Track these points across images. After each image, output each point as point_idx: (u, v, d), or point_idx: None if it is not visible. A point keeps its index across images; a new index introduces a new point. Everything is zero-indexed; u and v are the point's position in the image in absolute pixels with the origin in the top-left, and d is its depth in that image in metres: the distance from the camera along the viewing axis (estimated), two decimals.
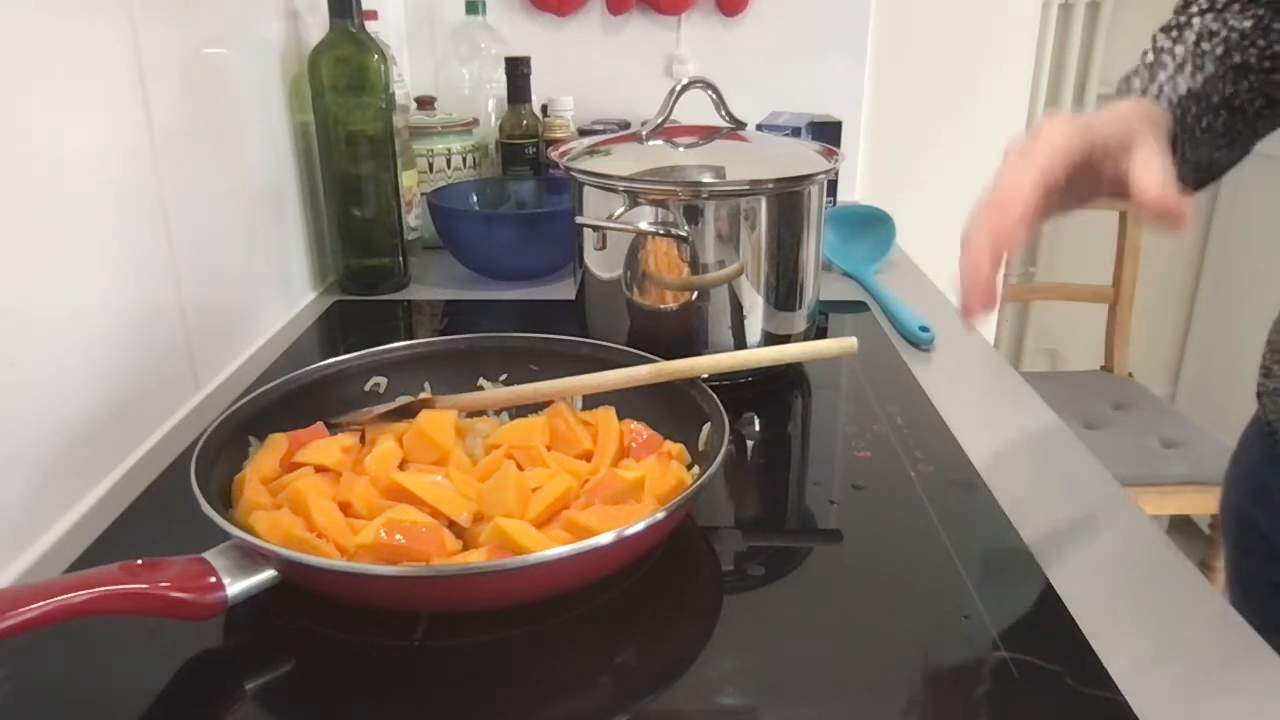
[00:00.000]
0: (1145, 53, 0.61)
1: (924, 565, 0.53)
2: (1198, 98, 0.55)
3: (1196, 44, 0.58)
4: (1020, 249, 0.51)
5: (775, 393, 0.77)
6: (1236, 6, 0.59)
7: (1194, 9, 0.60)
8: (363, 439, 0.60)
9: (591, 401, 0.65)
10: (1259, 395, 0.69)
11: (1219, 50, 0.57)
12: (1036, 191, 0.46)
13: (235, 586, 0.44)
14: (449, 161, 1.18)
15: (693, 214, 0.71)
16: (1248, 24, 0.57)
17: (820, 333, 0.87)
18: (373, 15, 1.02)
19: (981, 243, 0.46)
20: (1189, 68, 0.57)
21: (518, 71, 1.17)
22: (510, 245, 1.03)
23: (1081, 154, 0.48)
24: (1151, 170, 0.46)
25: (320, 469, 0.55)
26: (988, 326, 1.70)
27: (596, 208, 0.74)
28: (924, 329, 0.87)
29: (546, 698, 0.43)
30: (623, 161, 0.74)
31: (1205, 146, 0.56)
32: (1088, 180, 0.50)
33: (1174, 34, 0.60)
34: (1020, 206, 0.46)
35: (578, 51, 1.42)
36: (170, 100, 0.70)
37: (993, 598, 0.50)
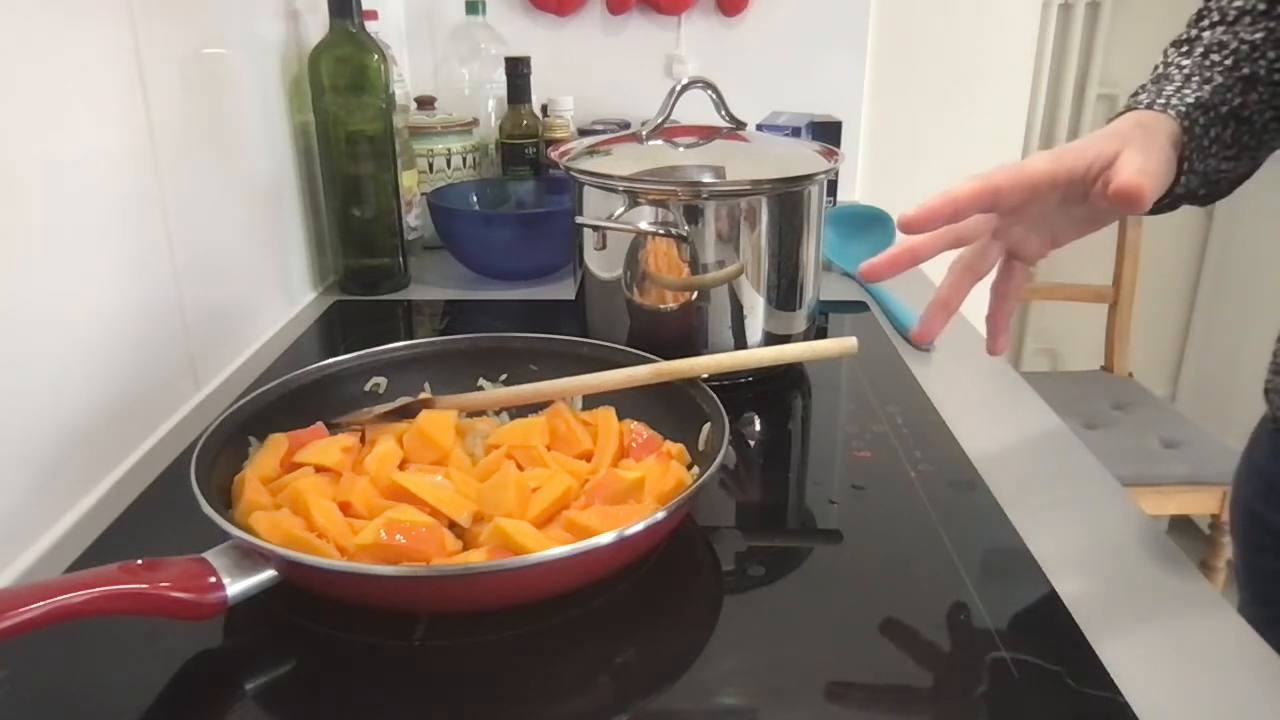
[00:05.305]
0: (1155, 66, 0.61)
1: (924, 565, 0.53)
2: (1206, 107, 0.55)
3: (1205, 56, 0.58)
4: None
5: (775, 393, 0.77)
6: (1248, 20, 0.58)
7: (1205, 23, 0.60)
8: (363, 439, 0.60)
9: (591, 401, 0.64)
10: (1267, 392, 0.69)
11: (1228, 62, 0.57)
12: (975, 198, 0.50)
13: (235, 586, 0.44)
14: (449, 161, 1.18)
15: (693, 214, 0.70)
16: (1259, 36, 0.57)
17: (820, 333, 0.87)
18: (373, 15, 1.02)
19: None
20: (1196, 80, 0.56)
21: (518, 71, 1.17)
22: (510, 245, 1.03)
23: (1051, 177, 0.51)
24: (1129, 161, 0.48)
25: (320, 469, 0.55)
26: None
27: (596, 208, 0.74)
28: None
29: (546, 698, 0.43)
30: (623, 161, 0.74)
31: (1213, 158, 0.56)
32: (1081, 205, 0.53)
33: (1184, 48, 0.60)
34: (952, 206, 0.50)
35: (578, 51, 1.42)
36: (170, 100, 0.70)
37: (993, 598, 0.50)
